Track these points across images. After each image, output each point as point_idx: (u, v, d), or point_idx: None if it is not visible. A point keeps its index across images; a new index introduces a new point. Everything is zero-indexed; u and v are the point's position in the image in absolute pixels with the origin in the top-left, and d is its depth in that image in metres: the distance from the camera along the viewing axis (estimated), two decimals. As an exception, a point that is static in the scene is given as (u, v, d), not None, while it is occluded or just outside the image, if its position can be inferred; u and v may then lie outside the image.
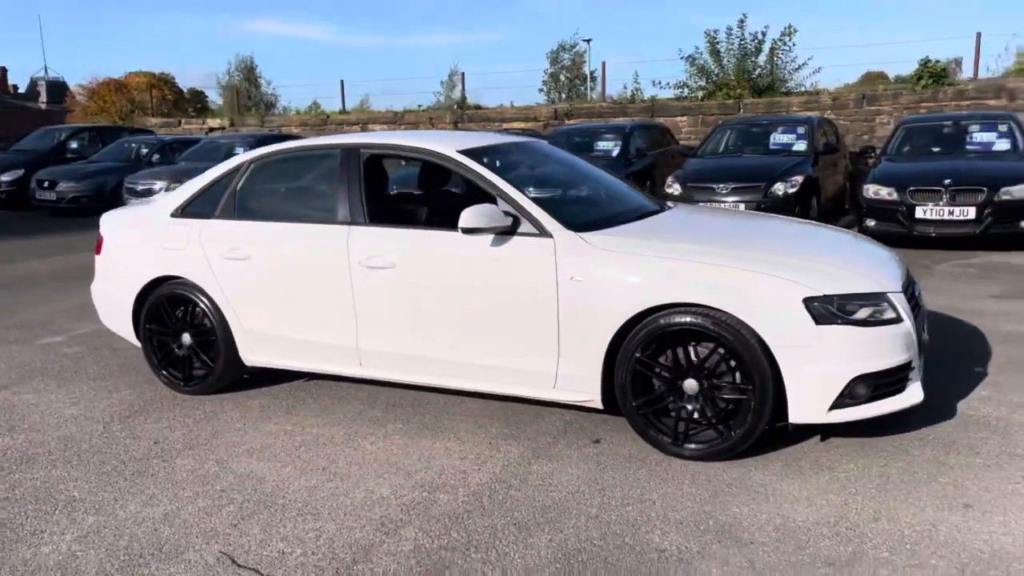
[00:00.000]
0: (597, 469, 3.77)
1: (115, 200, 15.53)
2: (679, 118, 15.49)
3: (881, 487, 3.47)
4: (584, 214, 4.29)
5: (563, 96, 34.80)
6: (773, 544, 3.04)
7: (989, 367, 4.99)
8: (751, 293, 3.62)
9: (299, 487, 3.71)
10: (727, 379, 3.73)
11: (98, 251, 5.37)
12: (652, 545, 3.08)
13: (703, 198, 10.19)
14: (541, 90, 36.43)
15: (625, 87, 17.97)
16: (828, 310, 3.56)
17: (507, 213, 4.05)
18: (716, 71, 16.28)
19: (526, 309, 4.01)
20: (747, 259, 3.79)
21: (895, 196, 9.35)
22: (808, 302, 3.56)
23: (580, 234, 4.00)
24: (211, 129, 21.28)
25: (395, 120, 18.58)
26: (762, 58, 16.16)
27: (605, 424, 4.27)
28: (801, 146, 11.39)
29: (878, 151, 11.08)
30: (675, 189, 10.62)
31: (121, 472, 3.95)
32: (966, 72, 16.09)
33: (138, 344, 5.26)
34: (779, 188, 10.20)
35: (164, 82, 37.05)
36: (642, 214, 4.56)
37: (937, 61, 14.74)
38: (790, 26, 15.92)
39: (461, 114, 17.78)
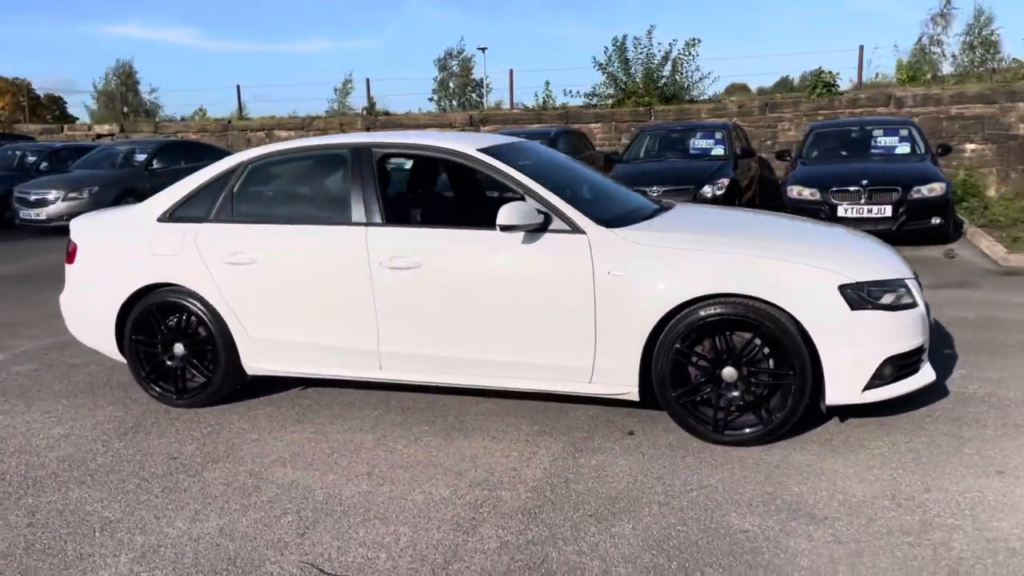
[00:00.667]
0: (644, 459, 3.84)
1: (2, 210, 14.50)
2: (593, 124, 15.84)
3: (916, 460, 3.70)
4: (606, 211, 4.35)
5: (454, 104, 34.84)
6: (846, 519, 3.20)
7: (956, 349, 5.39)
8: (790, 282, 3.79)
9: (352, 493, 3.60)
10: (764, 365, 3.88)
11: (70, 260, 5.02)
12: (734, 527, 3.17)
13: (636, 201, 10.47)
14: (431, 99, 36.33)
15: (536, 95, 18.18)
16: (860, 296, 3.78)
17: (538, 211, 4.08)
18: (624, 79, 16.75)
19: (561, 305, 4.05)
20: (780, 250, 3.96)
21: (818, 196, 9.91)
22: (843, 289, 3.76)
23: (613, 230, 4.08)
24: (98, 136, 20.14)
25: (303, 126, 18.12)
26: (667, 68, 16.74)
27: (631, 417, 4.36)
28: (719, 150, 11.89)
29: (793, 155, 11.68)
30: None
31: (148, 490, 3.72)
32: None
33: (119, 358, 4.95)
34: (707, 191, 10.61)
35: (18, 88, 34.68)
36: (654, 211, 4.67)
37: (829, 72, 15.68)
38: (695, 39, 16.60)
39: (373, 120, 17.54)
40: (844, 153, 11.22)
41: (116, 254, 4.84)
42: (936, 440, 3.92)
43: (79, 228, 5.08)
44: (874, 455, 3.78)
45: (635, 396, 4.08)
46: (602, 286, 3.98)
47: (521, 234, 4.09)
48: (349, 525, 3.31)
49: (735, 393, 3.92)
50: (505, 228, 4.02)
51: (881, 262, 4.08)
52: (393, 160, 4.98)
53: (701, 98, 17.03)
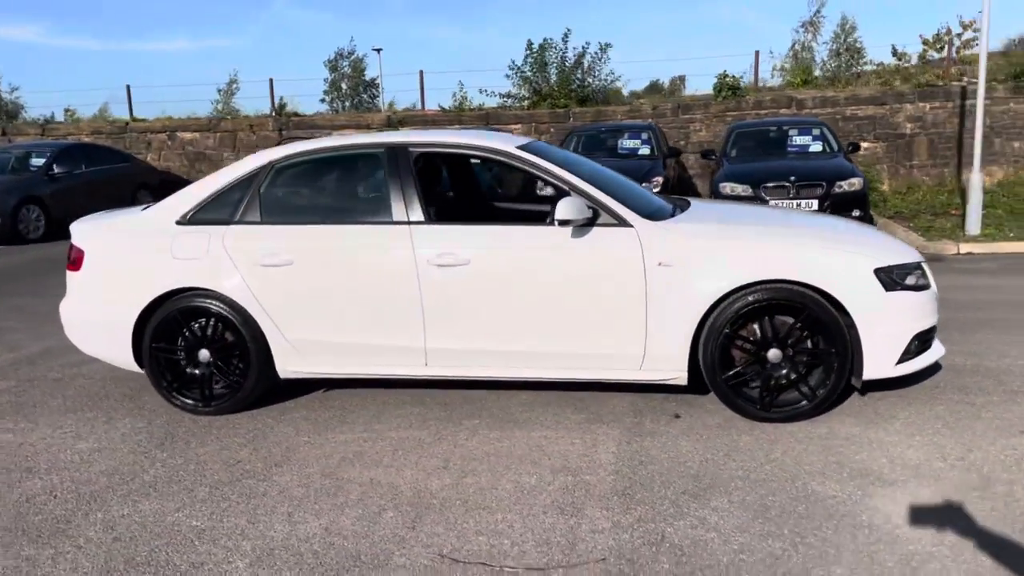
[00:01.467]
0: (704, 439, 4.06)
1: None
2: (513, 126, 16.06)
3: (946, 426, 4.08)
4: (643, 205, 4.53)
5: (346, 105, 34.31)
6: (915, 480, 3.51)
7: (926, 328, 5.89)
8: (830, 267, 4.09)
9: (439, 486, 3.64)
10: (807, 346, 4.17)
11: (75, 266, 4.78)
12: (820, 493, 3.43)
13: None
14: (323, 100, 35.65)
15: (454, 95, 18.24)
16: (891, 278, 4.13)
17: (588, 206, 4.23)
18: (540, 82, 17.06)
19: (614, 296, 4.21)
20: (815, 237, 4.27)
21: (750, 192, 10.47)
22: (877, 272, 4.10)
23: (659, 223, 4.28)
24: (-25, 139, 18.73)
25: (209, 128, 17.46)
26: (580, 72, 17.16)
27: (669, 401, 4.57)
28: (646, 150, 12.38)
29: (718, 153, 12.27)
30: (548, 191, 11.10)
31: (224, 496, 3.64)
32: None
33: (134, 368, 4.76)
34: (644, 188, 11.00)
35: None
36: (675, 207, 4.89)
37: (733, 76, 16.53)
38: (607, 44, 17.13)
39: (285, 122, 17.11)
40: (763, 151, 11.89)
41: (132, 259, 4.65)
42: (954, 408, 4.32)
43: (84, 233, 4.84)
44: (908, 424, 4.13)
45: (684, 381, 4.29)
46: (653, 276, 4.16)
47: (570, 229, 4.23)
48: (455, 516, 3.36)
49: (781, 373, 4.19)
50: (563, 223, 4.15)
51: (900, 247, 4.45)
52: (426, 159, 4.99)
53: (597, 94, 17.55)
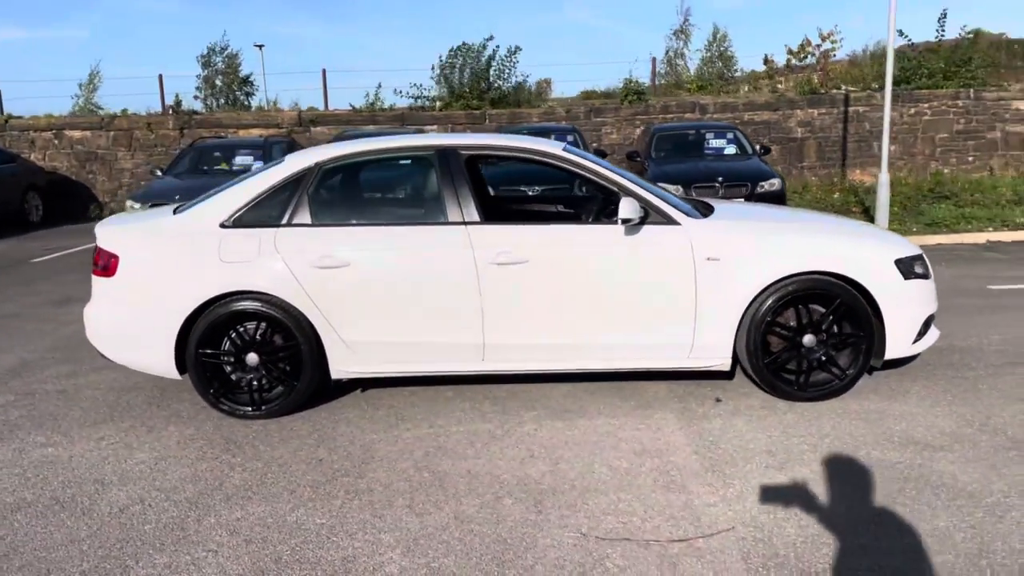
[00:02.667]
0: (755, 419, 4.42)
1: None
2: (428, 127, 16.13)
3: (956, 397, 4.63)
4: (679, 206, 4.84)
5: (221, 102, 33.15)
6: (957, 445, 4.00)
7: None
8: (859, 259, 4.55)
9: (538, 474, 3.82)
10: (837, 330, 4.62)
11: (109, 272, 4.61)
12: (885, 460, 3.85)
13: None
14: (196, 96, 34.27)
15: (367, 95, 18.08)
16: (906, 268, 4.63)
17: (640, 206, 4.51)
18: (457, 83, 17.19)
19: (666, 289, 4.50)
20: (843, 233, 4.73)
21: (681, 192, 11.05)
22: (897, 263, 4.60)
23: (702, 220, 4.62)
24: None
25: (103, 126, 16.53)
26: (492, 73, 17.42)
27: (703, 387, 4.92)
28: (572, 151, 12.80)
29: (642, 155, 12.85)
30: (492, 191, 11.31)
31: (331, 494, 3.68)
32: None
33: (175, 376, 4.64)
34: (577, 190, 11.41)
35: None
36: (703, 208, 5.22)
37: (636, 81, 17.29)
38: (516, 46, 17.45)
39: (188, 120, 16.45)
40: (683, 153, 12.57)
41: (177, 263, 4.53)
42: (953, 382, 4.89)
43: (115, 236, 4.67)
44: (922, 398, 4.65)
45: (727, 367, 4.64)
46: (702, 270, 4.49)
47: (625, 227, 4.50)
48: (572, 499, 3.56)
49: (814, 356, 4.62)
50: (625, 221, 4.41)
51: (904, 241, 4.97)
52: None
53: (523, 102, 17.92)
